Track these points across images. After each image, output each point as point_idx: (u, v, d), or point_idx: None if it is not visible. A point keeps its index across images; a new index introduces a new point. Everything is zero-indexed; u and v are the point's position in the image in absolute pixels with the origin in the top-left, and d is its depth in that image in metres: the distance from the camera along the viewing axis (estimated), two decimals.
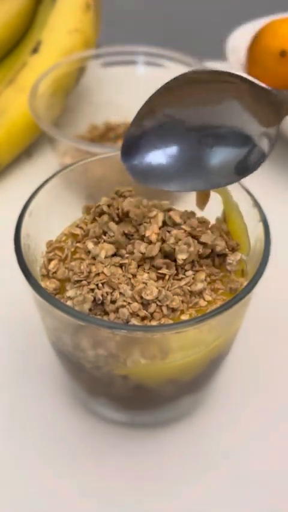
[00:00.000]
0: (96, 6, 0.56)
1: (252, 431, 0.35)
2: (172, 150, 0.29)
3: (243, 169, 0.29)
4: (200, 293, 0.29)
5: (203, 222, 0.32)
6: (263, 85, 0.28)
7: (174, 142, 0.29)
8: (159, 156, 0.29)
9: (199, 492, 0.32)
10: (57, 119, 0.53)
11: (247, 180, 0.33)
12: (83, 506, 0.32)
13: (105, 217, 0.31)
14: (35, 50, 0.53)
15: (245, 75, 0.28)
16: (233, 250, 0.31)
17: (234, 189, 0.32)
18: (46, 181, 0.32)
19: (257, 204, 0.31)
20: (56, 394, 0.36)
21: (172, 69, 0.53)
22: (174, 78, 0.28)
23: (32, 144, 0.55)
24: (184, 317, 0.28)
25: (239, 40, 0.57)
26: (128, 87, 0.54)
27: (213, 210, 0.34)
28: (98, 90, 0.57)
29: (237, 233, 0.32)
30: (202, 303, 0.29)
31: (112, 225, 0.30)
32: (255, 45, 0.54)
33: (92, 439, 0.34)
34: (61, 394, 0.36)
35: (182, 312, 0.28)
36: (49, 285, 0.30)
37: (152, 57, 0.54)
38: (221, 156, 0.29)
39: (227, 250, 0.31)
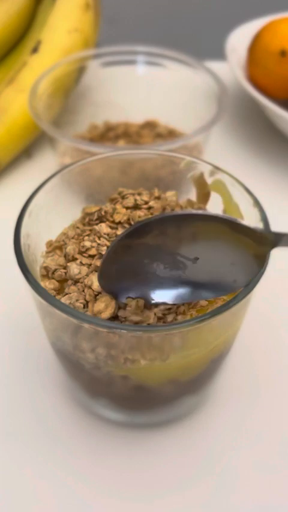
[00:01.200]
0: (96, 6, 0.56)
1: (252, 431, 0.35)
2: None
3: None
4: None
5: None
6: (245, 223, 0.27)
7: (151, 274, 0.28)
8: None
9: (199, 492, 0.32)
10: (57, 118, 0.53)
11: (247, 180, 0.33)
12: (83, 506, 0.32)
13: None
14: (35, 50, 0.53)
15: (226, 216, 0.27)
16: None
17: (234, 189, 0.32)
18: (46, 181, 0.32)
19: (257, 204, 0.31)
20: (56, 394, 0.36)
21: (172, 69, 0.54)
22: (142, 222, 0.27)
23: (32, 144, 0.55)
24: (184, 317, 0.28)
25: (239, 40, 0.57)
26: (128, 86, 0.54)
27: (213, 210, 0.34)
28: (97, 89, 0.57)
29: None
30: (203, 303, 0.29)
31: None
32: (255, 45, 0.54)
33: (92, 439, 0.34)
34: (61, 394, 0.36)
35: (183, 312, 0.28)
36: (48, 285, 0.30)
37: (152, 57, 0.54)
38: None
39: None
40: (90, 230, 0.32)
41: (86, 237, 0.31)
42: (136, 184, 0.35)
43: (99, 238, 0.31)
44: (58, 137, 0.45)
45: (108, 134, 0.54)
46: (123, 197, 0.33)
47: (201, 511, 0.32)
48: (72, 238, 0.32)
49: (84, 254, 0.30)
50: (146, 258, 0.27)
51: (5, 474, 0.33)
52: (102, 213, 0.32)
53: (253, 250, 0.27)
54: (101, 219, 0.32)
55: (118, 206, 0.33)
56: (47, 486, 0.32)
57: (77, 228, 0.33)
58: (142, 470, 0.33)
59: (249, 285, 0.27)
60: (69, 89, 0.54)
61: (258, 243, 0.27)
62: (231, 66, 0.54)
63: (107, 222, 0.32)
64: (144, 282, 0.28)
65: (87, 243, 0.30)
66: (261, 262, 0.27)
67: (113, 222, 0.32)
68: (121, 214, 0.32)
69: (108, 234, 0.31)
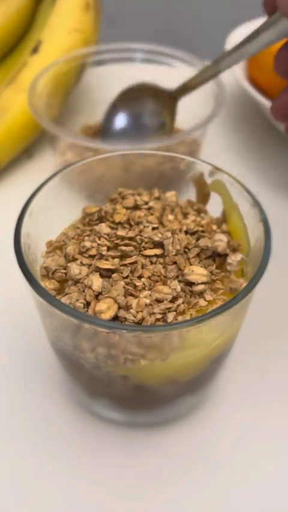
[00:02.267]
0: (96, 6, 0.56)
1: (252, 431, 0.35)
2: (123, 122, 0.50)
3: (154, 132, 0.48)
4: (200, 293, 0.29)
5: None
6: (161, 87, 0.49)
7: (124, 119, 0.50)
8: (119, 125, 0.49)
9: (199, 492, 0.32)
10: (56, 117, 0.53)
11: (247, 180, 0.33)
12: (83, 506, 0.32)
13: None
14: (35, 50, 0.53)
15: (152, 84, 0.50)
16: (234, 250, 0.31)
17: (234, 189, 0.33)
18: (46, 181, 0.32)
19: (257, 204, 0.31)
20: (56, 394, 0.36)
21: (170, 67, 0.54)
22: (127, 88, 0.50)
23: (32, 144, 0.55)
24: (184, 317, 0.28)
25: (239, 40, 0.57)
26: (127, 85, 0.54)
27: (213, 210, 0.34)
28: (97, 87, 0.57)
29: (237, 233, 0.32)
30: (202, 303, 0.29)
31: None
32: None
33: (92, 439, 0.34)
34: (61, 394, 0.36)
35: (183, 312, 0.28)
36: (48, 285, 0.30)
37: (150, 55, 0.54)
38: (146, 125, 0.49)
39: (228, 250, 0.31)
40: (91, 230, 0.32)
41: (86, 237, 0.31)
42: (138, 182, 0.35)
43: (99, 238, 0.31)
44: (58, 134, 0.45)
45: None
46: (123, 197, 0.33)
47: (202, 510, 0.32)
48: (73, 238, 0.32)
49: (85, 254, 0.30)
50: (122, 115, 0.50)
51: (5, 474, 0.33)
52: (102, 213, 0.32)
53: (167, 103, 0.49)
54: (101, 219, 0.32)
55: (118, 206, 0.33)
56: (47, 486, 0.32)
57: (77, 228, 0.33)
58: (142, 469, 0.33)
59: (249, 285, 0.27)
60: (70, 87, 0.54)
61: (171, 97, 0.48)
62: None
63: (107, 222, 0.32)
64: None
65: (88, 243, 0.30)
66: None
67: (113, 222, 0.32)
68: (121, 215, 0.32)
69: (108, 234, 0.31)
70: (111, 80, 0.53)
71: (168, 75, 0.52)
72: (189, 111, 0.49)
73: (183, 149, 0.48)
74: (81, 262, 0.30)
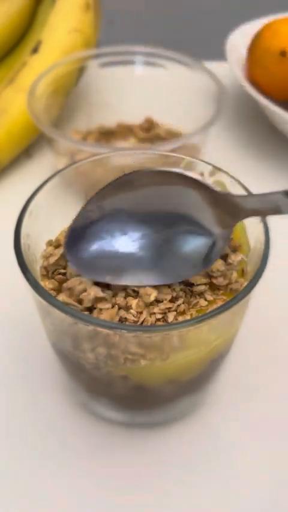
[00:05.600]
0: (96, 6, 0.56)
1: (252, 431, 0.35)
2: (122, 243, 0.28)
3: (195, 266, 0.28)
4: (200, 293, 0.29)
5: None
6: (218, 189, 0.28)
7: (123, 236, 0.28)
8: (107, 248, 0.28)
9: (199, 492, 0.32)
10: (56, 118, 0.53)
11: (247, 180, 0.33)
12: (83, 505, 0.32)
13: None
14: (35, 50, 0.53)
15: (199, 178, 0.27)
16: (235, 250, 0.31)
17: (234, 189, 0.32)
18: (46, 181, 0.32)
19: None
20: (56, 394, 0.36)
21: (171, 70, 0.54)
22: (122, 176, 0.27)
23: (31, 144, 0.55)
24: (184, 317, 0.28)
25: (239, 40, 0.57)
26: (126, 87, 0.54)
27: None
28: (96, 90, 0.57)
29: (237, 233, 0.32)
30: (203, 303, 0.29)
31: None
32: (255, 45, 0.54)
33: (92, 439, 0.34)
34: (61, 394, 0.36)
35: (183, 312, 0.28)
36: (48, 285, 0.30)
37: (150, 58, 0.54)
38: (174, 253, 0.28)
39: (228, 250, 0.31)
40: None
41: None
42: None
43: None
44: (56, 137, 0.45)
45: (106, 135, 0.54)
46: None
47: (201, 510, 0.32)
48: None
49: None
50: (115, 227, 0.28)
51: (5, 474, 0.33)
52: None
53: (222, 221, 0.28)
54: None
55: None
56: (47, 485, 0.32)
57: None
58: (142, 469, 0.33)
59: (249, 285, 0.27)
60: (69, 89, 0.54)
61: (230, 209, 0.27)
62: (231, 66, 0.54)
63: None
64: (112, 258, 0.28)
65: None
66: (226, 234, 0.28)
67: None
68: None
69: None
70: (112, 82, 0.53)
71: (167, 77, 0.53)
72: (189, 114, 0.49)
73: (183, 154, 0.48)
74: None
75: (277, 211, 0.26)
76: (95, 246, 0.28)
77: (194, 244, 0.28)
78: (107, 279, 0.28)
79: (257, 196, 0.27)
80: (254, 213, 0.27)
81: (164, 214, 0.28)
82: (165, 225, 0.28)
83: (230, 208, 0.27)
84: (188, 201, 0.27)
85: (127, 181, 0.27)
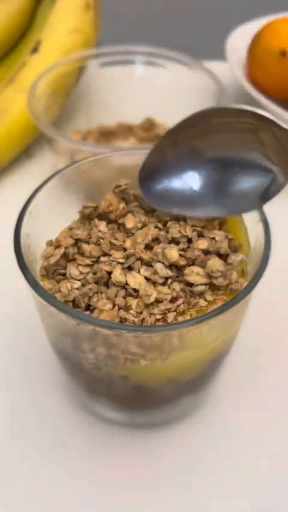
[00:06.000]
0: (96, 6, 0.56)
1: (252, 431, 0.35)
2: (191, 177, 0.30)
3: (260, 198, 0.30)
4: (200, 293, 0.29)
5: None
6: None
7: (193, 171, 0.30)
8: (177, 182, 0.30)
9: (199, 492, 0.32)
10: (55, 118, 0.53)
11: None
12: (83, 505, 0.32)
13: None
14: (35, 50, 0.53)
15: (270, 116, 0.28)
16: (235, 250, 0.31)
17: None
18: (46, 181, 0.32)
19: None
20: (56, 394, 0.36)
21: (171, 69, 0.54)
22: (197, 112, 0.29)
23: (31, 144, 0.55)
24: (184, 317, 0.28)
25: (239, 40, 0.57)
26: (126, 87, 0.54)
27: None
28: (96, 90, 0.57)
29: (237, 233, 0.32)
30: (202, 303, 0.29)
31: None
32: (255, 45, 0.54)
33: (92, 439, 0.34)
34: (61, 394, 0.36)
35: (183, 312, 0.28)
36: (48, 285, 0.30)
37: (150, 57, 0.54)
38: (239, 186, 0.30)
39: (229, 250, 0.31)
40: (90, 230, 0.32)
41: (85, 237, 0.31)
42: (136, 185, 0.35)
43: (97, 238, 0.31)
44: (56, 137, 0.45)
45: (106, 135, 0.54)
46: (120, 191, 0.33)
47: (202, 510, 0.32)
48: (71, 237, 0.32)
49: (84, 254, 0.30)
50: (186, 162, 0.30)
51: (5, 473, 0.33)
52: (100, 210, 0.32)
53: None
54: (99, 217, 0.32)
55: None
56: (47, 485, 0.32)
57: (76, 228, 0.32)
58: (142, 469, 0.33)
59: (249, 285, 0.27)
60: (69, 89, 0.54)
61: None
62: (231, 66, 0.54)
63: (105, 221, 0.32)
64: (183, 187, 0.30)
65: (85, 245, 0.30)
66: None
67: (111, 221, 0.32)
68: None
69: (106, 232, 0.31)
70: (112, 82, 0.53)
71: (167, 76, 0.53)
72: (189, 112, 0.49)
73: None
74: (78, 264, 0.30)
75: None
76: (166, 180, 0.30)
77: (255, 180, 0.30)
78: (174, 211, 0.30)
79: None
80: None
81: (231, 150, 0.30)
82: (231, 160, 0.30)
83: None
84: (256, 138, 0.29)
85: (201, 117, 0.29)
